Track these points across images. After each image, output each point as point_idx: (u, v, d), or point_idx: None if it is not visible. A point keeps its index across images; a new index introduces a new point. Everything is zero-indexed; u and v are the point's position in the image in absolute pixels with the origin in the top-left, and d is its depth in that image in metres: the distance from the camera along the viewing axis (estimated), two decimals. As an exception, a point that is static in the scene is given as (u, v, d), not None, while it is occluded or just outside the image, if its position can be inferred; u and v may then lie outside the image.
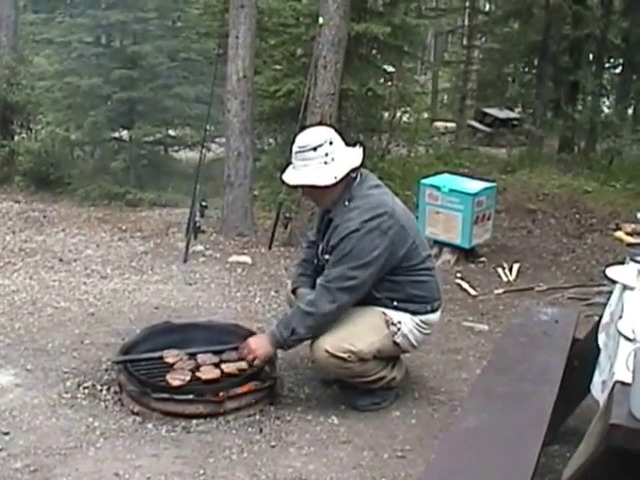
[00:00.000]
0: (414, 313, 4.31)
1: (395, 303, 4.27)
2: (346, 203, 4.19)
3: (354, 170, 4.23)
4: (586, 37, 14.99)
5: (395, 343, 4.31)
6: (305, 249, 4.77)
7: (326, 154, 4.14)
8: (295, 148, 4.24)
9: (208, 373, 4.33)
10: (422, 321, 4.35)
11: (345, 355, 4.11)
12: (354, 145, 4.37)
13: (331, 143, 4.18)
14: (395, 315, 4.27)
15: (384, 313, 4.27)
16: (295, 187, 4.66)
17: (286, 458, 3.81)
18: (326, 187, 4.18)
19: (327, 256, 4.27)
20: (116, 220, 9.09)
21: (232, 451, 3.85)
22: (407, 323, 4.29)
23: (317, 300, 4.14)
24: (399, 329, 4.27)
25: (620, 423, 2.13)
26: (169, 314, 5.83)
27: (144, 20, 11.18)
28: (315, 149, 4.14)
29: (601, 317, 3.51)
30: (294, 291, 4.63)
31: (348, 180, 4.22)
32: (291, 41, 11.54)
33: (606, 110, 16.96)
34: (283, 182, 4.49)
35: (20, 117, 12.30)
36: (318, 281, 4.23)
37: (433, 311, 4.41)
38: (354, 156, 4.26)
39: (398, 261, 4.21)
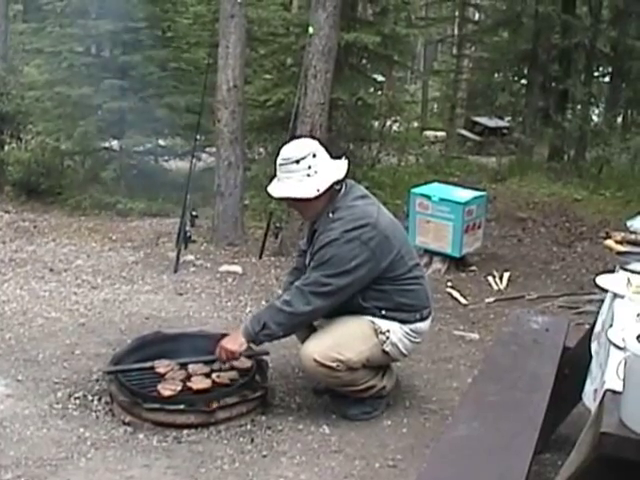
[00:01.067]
0: (403, 322, 4.31)
1: (383, 312, 4.27)
2: (330, 215, 4.20)
3: (338, 182, 4.24)
4: (575, 46, 15.07)
5: (384, 352, 4.30)
6: (297, 258, 4.78)
7: (309, 167, 4.15)
8: (279, 160, 4.26)
9: (199, 383, 4.32)
10: (412, 330, 4.34)
11: (334, 364, 4.12)
12: (341, 157, 4.38)
13: (314, 156, 4.19)
14: (384, 324, 4.27)
15: (372, 322, 4.26)
16: (279, 199, 4.66)
17: (278, 468, 3.81)
18: (309, 199, 4.19)
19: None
20: (106, 230, 9.08)
21: (223, 461, 3.84)
22: (396, 332, 4.29)
23: (292, 300, 4.15)
24: (388, 338, 4.27)
25: (611, 431, 2.13)
26: (160, 324, 5.82)
27: (134, 30, 11.15)
28: (298, 162, 4.15)
29: (593, 325, 3.52)
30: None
31: (332, 192, 4.23)
32: (281, 51, 11.59)
33: (595, 118, 17.08)
34: (268, 195, 4.51)
35: (10, 127, 12.24)
36: (295, 283, 4.25)
37: (423, 319, 4.40)
38: (338, 169, 4.25)
39: (382, 271, 4.21)
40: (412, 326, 4.35)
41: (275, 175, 4.34)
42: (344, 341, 4.17)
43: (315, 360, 4.12)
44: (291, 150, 4.24)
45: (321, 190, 4.15)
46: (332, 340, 4.17)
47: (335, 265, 4.08)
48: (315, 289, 4.12)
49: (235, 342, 4.27)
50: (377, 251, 4.14)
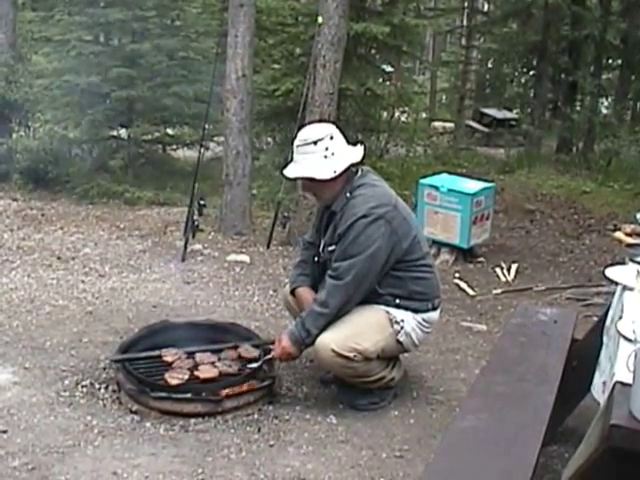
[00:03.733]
0: (416, 311, 4.32)
1: (397, 301, 4.27)
2: (348, 195, 4.21)
3: (354, 165, 4.25)
4: (585, 38, 15.04)
5: (398, 342, 4.31)
6: (302, 250, 4.76)
7: (326, 148, 4.17)
8: (296, 142, 4.28)
9: (206, 372, 4.32)
10: (424, 319, 4.36)
11: (351, 354, 4.10)
12: (355, 144, 4.39)
13: (332, 138, 4.21)
14: (398, 313, 4.27)
15: (387, 312, 4.27)
16: (295, 180, 4.67)
17: (284, 457, 3.81)
18: (326, 181, 4.20)
19: (332, 247, 4.27)
20: (114, 218, 9.08)
21: (230, 450, 3.85)
22: (409, 321, 4.30)
23: (327, 300, 4.15)
24: (402, 327, 4.27)
25: (620, 424, 2.13)
26: (167, 313, 5.82)
27: (143, 19, 11.16)
28: (315, 143, 4.17)
29: (603, 318, 3.51)
30: (293, 292, 4.61)
31: (348, 175, 4.25)
32: (290, 40, 11.58)
33: (604, 111, 17.04)
34: (284, 176, 4.52)
35: (18, 115, 12.26)
36: (327, 277, 4.23)
37: (434, 309, 4.42)
38: (355, 152, 4.29)
39: (402, 253, 4.22)
40: (424, 315, 4.36)
41: (287, 163, 4.35)
42: (361, 331, 4.17)
43: (333, 350, 4.09)
44: (309, 132, 4.27)
45: (338, 171, 4.17)
46: (349, 330, 4.15)
47: (363, 245, 4.08)
48: (348, 276, 4.11)
49: (289, 346, 4.26)
50: (399, 231, 4.17)
